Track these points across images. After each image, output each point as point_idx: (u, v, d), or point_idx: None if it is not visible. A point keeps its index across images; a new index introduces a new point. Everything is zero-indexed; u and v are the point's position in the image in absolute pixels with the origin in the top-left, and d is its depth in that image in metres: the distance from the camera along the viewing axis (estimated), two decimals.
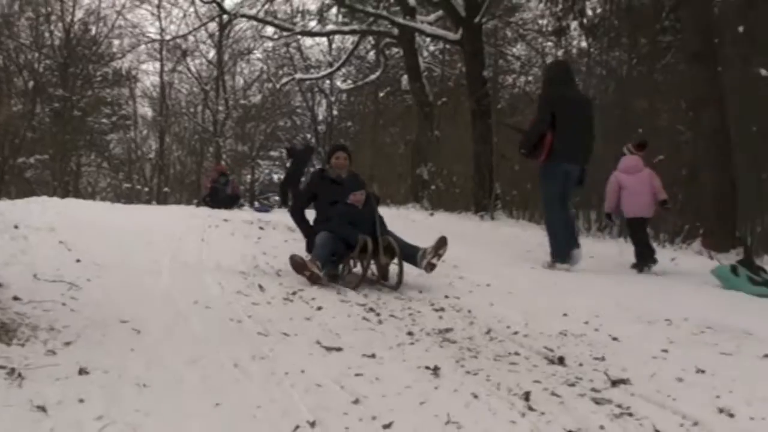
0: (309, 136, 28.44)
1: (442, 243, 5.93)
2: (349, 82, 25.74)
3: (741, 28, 10.53)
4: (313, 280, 5.65)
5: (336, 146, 7.09)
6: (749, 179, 10.37)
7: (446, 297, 5.42)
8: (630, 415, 2.93)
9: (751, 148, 10.63)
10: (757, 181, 10.49)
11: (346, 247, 5.99)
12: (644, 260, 7.66)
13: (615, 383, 3.31)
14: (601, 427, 2.78)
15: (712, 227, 9.95)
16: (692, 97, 11.04)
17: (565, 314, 4.85)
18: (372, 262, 5.97)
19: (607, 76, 16.95)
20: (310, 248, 6.24)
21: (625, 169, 8.00)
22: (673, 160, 12.09)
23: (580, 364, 3.66)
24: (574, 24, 17.89)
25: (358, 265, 6.24)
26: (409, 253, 5.92)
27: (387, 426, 2.73)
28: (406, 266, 5.90)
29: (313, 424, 2.72)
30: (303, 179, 15.36)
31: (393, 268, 5.97)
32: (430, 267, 5.88)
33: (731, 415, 2.93)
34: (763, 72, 10.38)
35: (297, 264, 5.76)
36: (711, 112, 10.26)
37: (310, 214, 6.49)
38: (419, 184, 15.71)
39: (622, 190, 7.91)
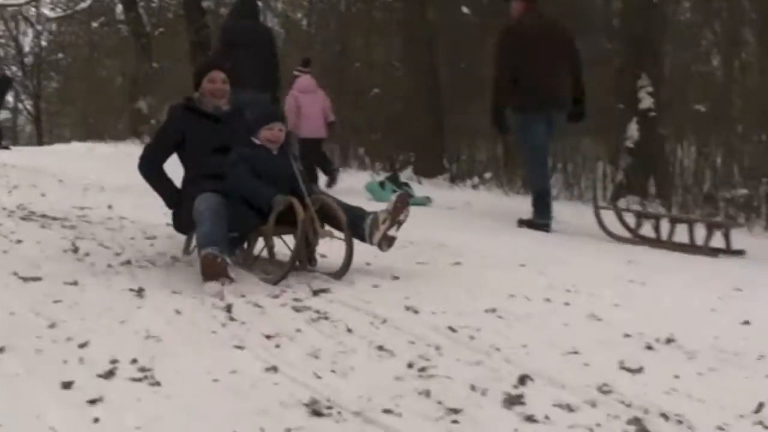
0: (14, 68, 26.11)
1: (402, 204, 3.96)
2: (59, 10, 23.89)
3: None
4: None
5: (209, 63, 4.81)
6: (457, 113, 11.17)
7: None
8: (326, 318, 3.11)
9: (459, 84, 11.43)
10: (463, 115, 11.33)
11: (257, 214, 3.89)
12: (330, 174, 8.49)
13: (316, 293, 3.49)
14: (298, 330, 2.93)
15: (423, 156, 10.68)
16: (405, 35, 11.62)
17: None
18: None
19: (329, 11, 17.26)
20: (180, 223, 4.22)
21: (300, 89, 8.70)
22: (388, 94, 12.70)
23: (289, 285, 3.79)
24: None
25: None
26: (352, 222, 3.97)
27: (83, 345, 2.66)
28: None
29: (2, 350, 2.58)
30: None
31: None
32: (387, 243, 3.96)
33: (416, 312, 3.22)
34: (465, 9, 11.12)
35: (215, 269, 3.55)
36: (421, 50, 10.89)
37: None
38: (138, 119, 15.15)
39: (299, 109, 8.57)
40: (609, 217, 6.07)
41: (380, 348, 2.77)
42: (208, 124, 4.22)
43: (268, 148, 4.02)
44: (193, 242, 4.13)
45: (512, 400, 2.33)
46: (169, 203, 4.32)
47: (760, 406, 2.35)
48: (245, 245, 4.13)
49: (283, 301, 3.36)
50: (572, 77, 6.20)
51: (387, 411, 2.21)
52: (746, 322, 3.34)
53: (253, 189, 3.86)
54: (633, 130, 8.46)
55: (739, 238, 5.78)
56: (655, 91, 8.48)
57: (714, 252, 5.29)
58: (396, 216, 3.93)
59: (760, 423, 2.26)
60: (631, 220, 5.96)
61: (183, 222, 4.16)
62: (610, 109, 9.63)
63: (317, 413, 2.19)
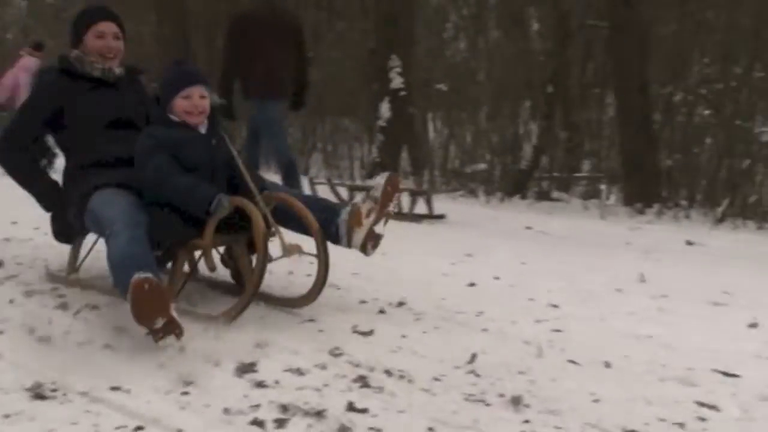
0: None
1: (393, 188, 3.02)
2: None
3: None
4: (172, 331, 2.45)
5: (93, 10, 3.26)
6: (214, 92, 11.06)
7: None
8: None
9: (217, 63, 11.29)
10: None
11: (187, 223, 2.79)
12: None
13: (51, 275, 3.36)
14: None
15: None
16: (159, 12, 11.34)
17: (14, 222, 4.70)
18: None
19: None
20: (62, 233, 3.20)
21: (23, 68, 9.25)
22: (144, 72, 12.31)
23: (19, 264, 3.62)
24: None
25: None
26: (325, 217, 3.00)
27: None
28: None
29: None
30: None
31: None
32: (374, 244, 3.04)
33: None
34: None
35: (154, 302, 2.43)
36: (175, 27, 10.68)
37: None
38: None
39: (20, 87, 9.05)
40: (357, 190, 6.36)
41: (117, 328, 2.72)
42: (96, 92, 3.15)
43: (193, 126, 2.89)
44: (82, 255, 3.28)
45: (245, 369, 2.39)
46: (45, 202, 3.21)
47: (473, 357, 2.58)
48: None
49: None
50: (297, 68, 6.24)
51: (115, 388, 2.19)
52: (472, 284, 3.64)
53: (183, 188, 2.73)
54: (385, 109, 8.83)
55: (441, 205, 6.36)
56: (405, 71, 8.88)
57: (419, 218, 5.74)
58: (385, 205, 2.99)
59: (472, 372, 2.49)
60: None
61: (66, 226, 3.13)
62: (367, 89, 10.00)
63: (41, 396, 2.13)
